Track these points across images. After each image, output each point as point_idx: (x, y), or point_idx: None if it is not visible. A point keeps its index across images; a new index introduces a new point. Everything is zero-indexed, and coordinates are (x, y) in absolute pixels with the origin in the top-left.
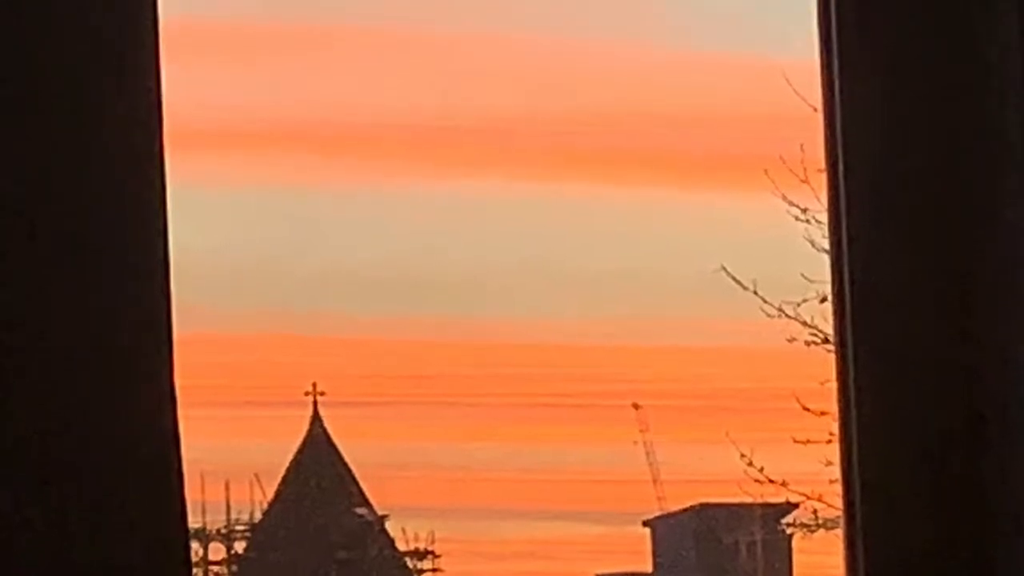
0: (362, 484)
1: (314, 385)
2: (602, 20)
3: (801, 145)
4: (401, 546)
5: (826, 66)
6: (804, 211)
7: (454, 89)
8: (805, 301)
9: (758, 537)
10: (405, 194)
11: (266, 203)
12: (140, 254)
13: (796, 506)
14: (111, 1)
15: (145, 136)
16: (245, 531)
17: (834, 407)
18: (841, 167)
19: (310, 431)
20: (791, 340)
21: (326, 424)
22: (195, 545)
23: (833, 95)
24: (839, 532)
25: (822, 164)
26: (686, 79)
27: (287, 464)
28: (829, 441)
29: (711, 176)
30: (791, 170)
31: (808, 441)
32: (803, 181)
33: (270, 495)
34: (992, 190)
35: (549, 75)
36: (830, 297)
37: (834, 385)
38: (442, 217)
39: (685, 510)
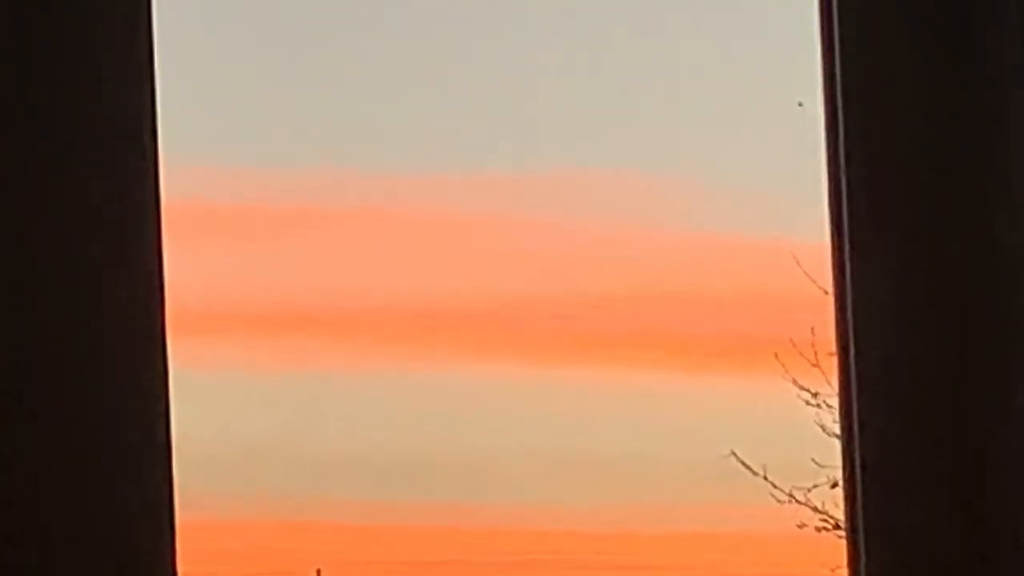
0: None
1: (318, 572)
2: (610, 202)
3: (812, 328)
4: None
5: (837, 248)
6: (815, 395)
7: (460, 272)
8: (816, 487)
9: None
10: (410, 378)
11: (269, 387)
12: (141, 438)
13: None
14: (112, 181)
15: (146, 318)
16: None
17: None
18: (852, 351)
19: None
20: (801, 526)
21: None
22: None
23: (844, 278)
24: None
25: (833, 348)
26: (694, 261)
27: None
28: None
29: (720, 360)
30: (801, 354)
31: None
32: (814, 365)
33: None
34: (1005, 374)
35: (557, 257)
36: (841, 483)
37: (845, 572)
38: (448, 401)
39: None
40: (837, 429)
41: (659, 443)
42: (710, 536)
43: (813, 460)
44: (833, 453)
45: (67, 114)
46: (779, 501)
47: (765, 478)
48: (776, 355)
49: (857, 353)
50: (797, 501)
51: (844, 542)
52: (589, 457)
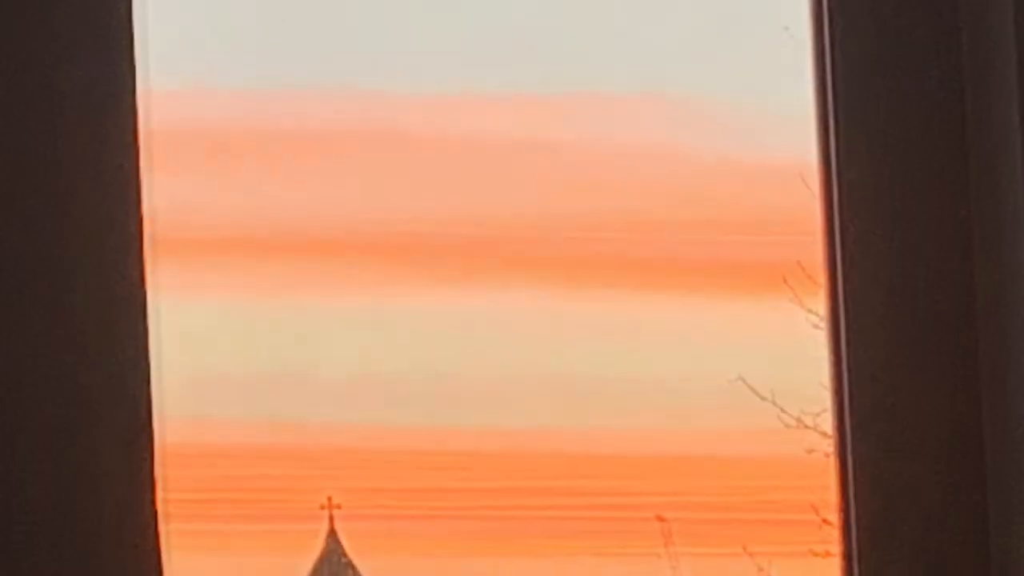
0: None
1: (329, 499)
2: (621, 125)
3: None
4: None
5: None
6: (822, 318)
7: (471, 195)
8: (824, 411)
9: None
10: (424, 304)
11: (270, 312)
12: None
13: None
14: (103, 321)
15: (140, 455)
16: None
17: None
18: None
19: None
20: (810, 451)
21: None
22: None
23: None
24: None
25: None
26: (701, 184)
27: None
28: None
29: (728, 283)
30: (810, 276)
31: (827, 554)
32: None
33: None
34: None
35: (566, 180)
36: (831, 409)
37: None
38: (463, 328)
39: None
40: None
41: (665, 367)
42: (717, 460)
43: (822, 384)
44: None
45: (65, 274)
46: (787, 426)
47: (774, 403)
48: (784, 279)
49: (845, 281)
50: (806, 426)
51: None
52: (594, 381)
